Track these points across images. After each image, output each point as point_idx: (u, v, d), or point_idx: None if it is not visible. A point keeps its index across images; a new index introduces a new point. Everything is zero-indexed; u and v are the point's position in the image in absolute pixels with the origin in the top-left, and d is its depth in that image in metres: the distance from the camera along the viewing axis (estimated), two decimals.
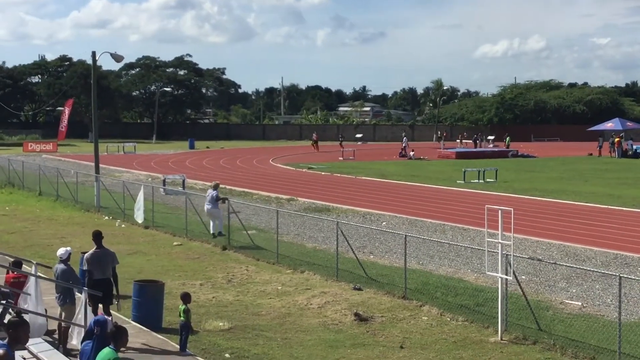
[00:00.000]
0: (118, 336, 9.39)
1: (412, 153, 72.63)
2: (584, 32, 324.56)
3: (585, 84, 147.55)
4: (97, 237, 16.22)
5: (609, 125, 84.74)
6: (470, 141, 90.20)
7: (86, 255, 15.93)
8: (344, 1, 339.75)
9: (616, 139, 74.87)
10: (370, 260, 23.26)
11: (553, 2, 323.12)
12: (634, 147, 75.24)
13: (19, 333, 8.34)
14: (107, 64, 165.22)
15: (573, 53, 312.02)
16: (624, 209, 34.97)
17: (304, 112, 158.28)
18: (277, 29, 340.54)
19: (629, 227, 29.59)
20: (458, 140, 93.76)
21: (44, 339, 14.21)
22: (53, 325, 15.18)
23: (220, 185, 31.35)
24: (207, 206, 27.31)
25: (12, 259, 17.15)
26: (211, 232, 27.12)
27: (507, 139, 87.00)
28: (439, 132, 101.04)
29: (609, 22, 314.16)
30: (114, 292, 15.66)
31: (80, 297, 14.43)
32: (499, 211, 15.61)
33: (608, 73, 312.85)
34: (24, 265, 17.30)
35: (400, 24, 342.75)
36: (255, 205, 33.23)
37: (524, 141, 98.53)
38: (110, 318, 10.06)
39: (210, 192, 27.59)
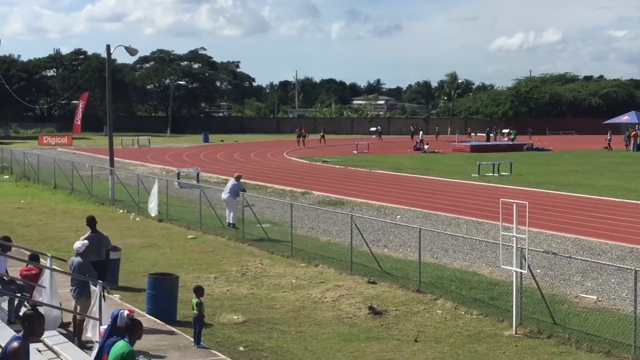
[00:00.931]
0: (133, 329, 9.40)
1: (426, 146, 72.51)
2: (600, 25, 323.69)
3: (601, 76, 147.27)
4: (91, 222, 17.28)
5: (624, 118, 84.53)
6: (483, 134, 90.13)
7: (81, 238, 16.54)
8: None
9: (632, 132, 74.51)
10: (384, 253, 23.23)
11: None
12: None
13: (34, 326, 8.36)
14: (122, 58, 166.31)
15: (588, 46, 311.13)
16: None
17: (318, 106, 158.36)
18: (291, 22, 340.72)
19: None
20: (470, 135, 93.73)
21: (58, 332, 14.27)
22: (68, 317, 15.23)
23: None
24: (224, 195, 27.50)
25: (28, 252, 17.19)
26: (228, 221, 27.32)
27: (513, 132, 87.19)
28: (437, 127, 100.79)
29: (625, 15, 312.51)
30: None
31: (96, 290, 14.46)
32: (514, 205, 15.56)
33: (624, 66, 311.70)
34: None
35: (415, 17, 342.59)
36: (269, 199, 33.23)
37: (539, 134, 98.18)
38: (123, 310, 10.05)
39: (231, 182, 27.79)
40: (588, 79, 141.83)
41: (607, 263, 19.87)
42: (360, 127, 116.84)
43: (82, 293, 14.98)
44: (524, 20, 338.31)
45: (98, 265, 15.94)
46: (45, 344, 12.87)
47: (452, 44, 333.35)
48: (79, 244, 15.64)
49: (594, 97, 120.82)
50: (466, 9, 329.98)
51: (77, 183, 39.21)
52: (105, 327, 10.54)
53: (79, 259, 15.35)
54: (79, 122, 46.95)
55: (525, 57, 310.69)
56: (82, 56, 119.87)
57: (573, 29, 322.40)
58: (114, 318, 10.08)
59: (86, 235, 16.84)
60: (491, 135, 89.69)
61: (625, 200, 35.27)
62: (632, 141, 73.61)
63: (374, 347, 15.01)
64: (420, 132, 78.89)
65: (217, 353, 14.32)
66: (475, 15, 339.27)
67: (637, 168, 53.49)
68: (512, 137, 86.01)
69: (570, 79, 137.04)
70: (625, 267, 18.29)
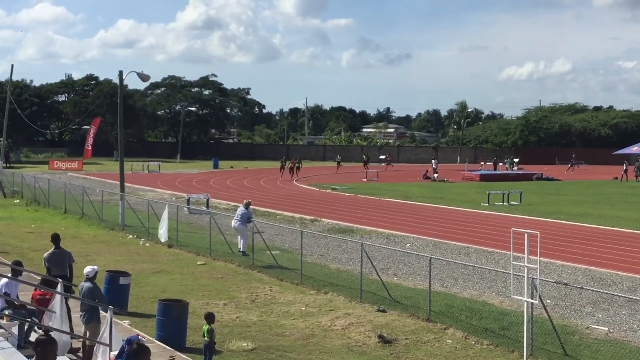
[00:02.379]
0: (140, 355, 9.36)
1: (436, 175, 72.38)
2: (610, 56, 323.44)
3: (611, 107, 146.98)
4: (56, 239, 18.37)
5: (634, 149, 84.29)
6: (491, 163, 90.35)
7: (45, 254, 18.19)
8: (370, 23, 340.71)
9: None
10: (394, 282, 23.17)
11: (579, 25, 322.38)
12: None
13: (47, 352, 8.33)
14: (133, 84, 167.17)
15: (598, 76, 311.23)
16: None
17: (327, 133, 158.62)
18: (302, 50, 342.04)
19: None
20: (481, 164, 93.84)
21: (68, 357, 14.24)
22: (77, 343, 15.21)
23: None
24: (234, 223, 27.88)
25: (38, 277, 17.21)
26: (239, 249, 27.56)
27: (509, 162, 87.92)
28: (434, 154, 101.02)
29: (634, 46, 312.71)
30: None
31: (106, 316, 14.44)
32: (525, 234, 15.52)
33: (634, 97, 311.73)
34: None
35: (425, 45, 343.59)
36: (279, 226, 33.22)
37: (548, 164, 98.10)
38: (136, 336, 10.04)
39: (241, 210, 28.15)
40: (598, 109, 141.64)
41: (618, 294, 19.78)
42: (370, 155, 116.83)
43: (91, 318, 14.99)
44: (534, 50, 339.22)
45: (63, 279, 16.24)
46: None
47: (462, 72, 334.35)
48: (89, 268, 15.68)
49: (604, 127, 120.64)
50: (477, 38, 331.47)
51: (87, 208, 39.29)
52: (117, 353, 10.53)
53: (89, 284, 15.38)
54: (90, 147, 47.15)
55: (535, 87, 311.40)
56: (94, 81, 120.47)
57: (583, 60, 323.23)
58: (125, 342, 10.06)
59: (50, 251, 18.11)
60: (499, 164, 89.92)
61: (635, 232, 35.13)
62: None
63: None
64: (433, 160, 78.12)
65: None
66: (486, 45, 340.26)
67: None
68: (509, 166, 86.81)
69: (580, 109, 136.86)
70: (637, 298, 18.20)
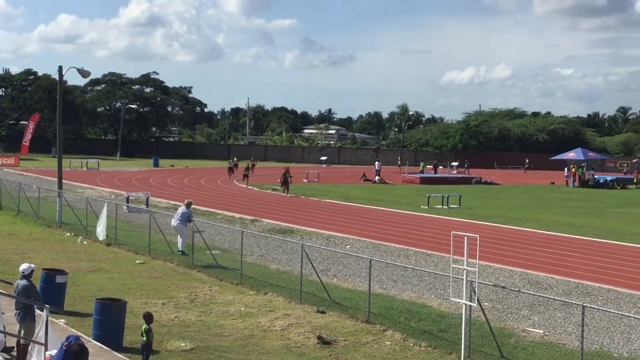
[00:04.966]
0: (80, 356, 9.25)
1: (377, 178, 72.67)
2: (549, 62, 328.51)
3: (549, 113, 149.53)
4: None
5: (571, 154, 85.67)
6: (431, 167, 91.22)
7: None
8: (315, 24, 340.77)
9: (572, 169, 75.92)
10: (333, 283, 23.21)
11: (520, 31, 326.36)
12: (595, 177, 76.23)
13: None
14: (73, 79, 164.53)
15: (537, 82, 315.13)
16: (585, 238, 35.28)
17: (269, 133, 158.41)
18: (245, 50, 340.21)
19: (590, 257, 29.86)
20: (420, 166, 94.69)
21: (2, 356, 13.98)
22: (12, 342, 14.94)
23: None
24: (174, 222, 27.71)
25: None
26: (179, 248, 27.38)
27: (423, 163, 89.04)
28: (400, 158, 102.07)
29: (573, 53, 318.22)
30: None
31: (42, 315, 14.21)
32: (465, 237, 15.66)
33: (571, 103, 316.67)
34: None
35: (369, 48, 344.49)
36: (219, 225, 33.07)
37: (487, 168, 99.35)
38: (76, 336, 9.88)
39: (182, 209, 28.02)
40: (536, 115, 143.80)
41: (554, 298, 20.08)
42: (311, 156, 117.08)
43: (26, 317, 14.72)
44: (475, 55, 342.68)
45: None
46: None
47: (404, 75, 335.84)
48: (25, 266, 15.43)
49: (542, 133, 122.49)
50: (421, 42, 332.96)
51: (23, 204, 38.63)
52: (55, 353, 10.35)
53: (24, 281, 15.13)
54: (27, 143, 46.40)
55: (476, 92, 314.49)
56: (32, 77, 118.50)
57: (523, 66, 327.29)
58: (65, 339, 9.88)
59: None
60: (439, 167, 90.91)
61: (571, 236, 35.73)
62: (571, 177, 75.12)
63: None
64: (377, 162, 77.93)
65: None
66: (429, 49, 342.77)
67: (582, 204, 54.32)
68: (421, 169, 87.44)
69: (519, 114, 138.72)
70: (573, 302, 18.49)
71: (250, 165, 70.70)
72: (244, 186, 61.08)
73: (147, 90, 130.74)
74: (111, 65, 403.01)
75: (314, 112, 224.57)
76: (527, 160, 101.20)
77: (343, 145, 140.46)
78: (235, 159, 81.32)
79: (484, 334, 17.04)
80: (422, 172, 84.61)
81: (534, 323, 19.39)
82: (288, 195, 53.08)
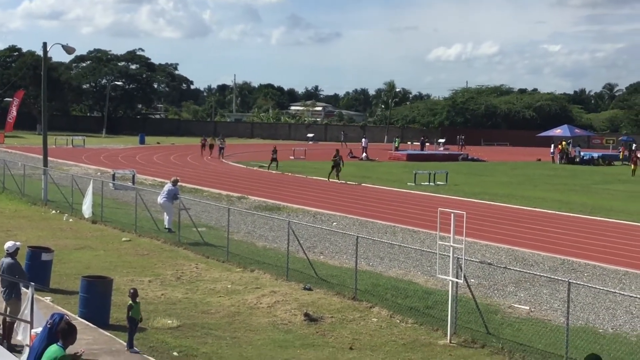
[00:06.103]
0: (67, 334, 9.21)
1: (364, 155, 72.63)
2: (536, 39, 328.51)
3: (535, 90, 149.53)
4: None
5: (557, 131, 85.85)
6: (418, 143, 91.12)
7: None
8: (301, 0, 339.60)
9: (559, 146, 76.08)
10: (320, 260, 23.21)
11: (507, 7, 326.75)
12: (582, 153, 76.45)
13: None
14: (58, 56, 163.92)
15: (524, 59, 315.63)
16: (571, 214, 35.40)
17: (255, 110, 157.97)
18: (232, 27, 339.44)
19: (576, 233, 29.97)
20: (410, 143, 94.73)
21: None
22: None
23: None
24: (160, 199, 27.59)
25: None
26: (165, 225, 27.27)
27: (397, 140, 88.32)
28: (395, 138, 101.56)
29: (559, 30, 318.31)
30: None
31: (27, 292, 14.14)
32: (452, 214, 15.66)
33: (558, 80, 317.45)
34: None
35: (356, 25, 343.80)
36: (205, 203, 32.99)
37: (474, 145, 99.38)
38: (61, 314, 9.83)
39: (168, 186, 27.90)
40: (523, 91, 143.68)
41: (540, 274, 20.16)
42: (297, 133, 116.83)
43: (11, 294, 14.66)
44: (463, 32, 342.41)
45: None
46: None
47: (391, 52, 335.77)
48: (10, 244, 15.36)
49: (528, 109, 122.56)
50: (408, 18, 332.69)
51: (8, 182, 38.44)
52: (41, 330, 10.30)
53: (9, 259, 15.06)
54: (12, 120, 46.08)
55: (463, 69, 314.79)
56: (17, 53, 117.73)
57: (510, 42, 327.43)
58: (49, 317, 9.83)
59: None
60: (426, 144, 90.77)
61: (557, 213, 35.84)
62: (557, 154, 75.28)
63: (310, 354, 14.97)
64: (363, 139, 77.56)
65: (150, 358, 14.14)
66: (416, 25, 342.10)
67: (568, 181, 54.46)
68: (396, 145, 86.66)
69: (506, 91, 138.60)
70: (558, 278, 18.58)
71: (213, 144, 69.95)
72: (232, 163, 60.95)
73: (133, 67, 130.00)
74: (96, 42, 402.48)
75: (300, 89, 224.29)
76: (462, 137, 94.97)
77: (330, 122, 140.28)
78: (205, 138, 77.45)
79: (470, 311, 17.08)
80: (397, 149, 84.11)
81: (520, 299, 19.46)
82: (339, 182, 47.76)
